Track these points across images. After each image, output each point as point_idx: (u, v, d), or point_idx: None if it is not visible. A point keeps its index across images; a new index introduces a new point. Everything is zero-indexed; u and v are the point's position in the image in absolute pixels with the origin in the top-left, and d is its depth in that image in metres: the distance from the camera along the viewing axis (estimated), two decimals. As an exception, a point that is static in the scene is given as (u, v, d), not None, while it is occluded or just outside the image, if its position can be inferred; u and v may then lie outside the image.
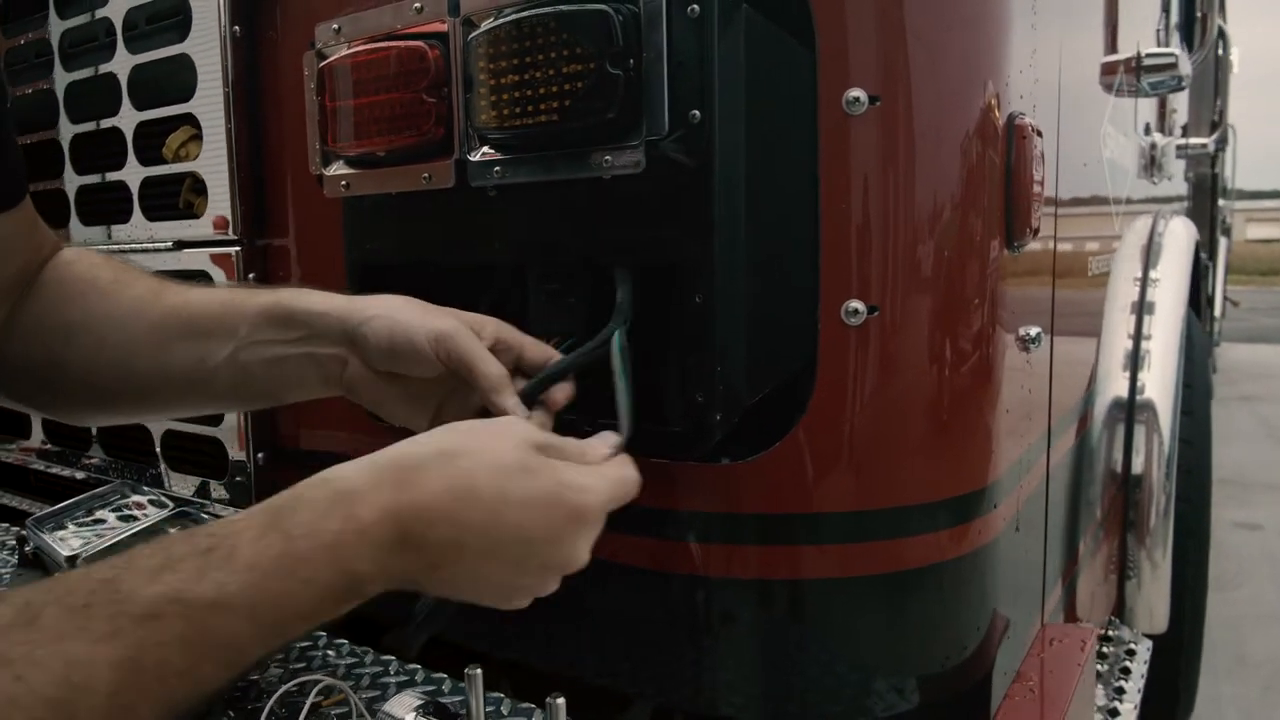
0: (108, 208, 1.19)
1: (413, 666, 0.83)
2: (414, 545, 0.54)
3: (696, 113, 0.70)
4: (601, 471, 0.63)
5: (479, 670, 0.66)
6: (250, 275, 1.06)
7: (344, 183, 0.88)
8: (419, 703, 0.65)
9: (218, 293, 0.78)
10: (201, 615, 0.47)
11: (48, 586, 0.46)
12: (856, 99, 0.72)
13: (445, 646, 0.92)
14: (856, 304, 0.74)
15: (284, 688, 0.75)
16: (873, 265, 0.74)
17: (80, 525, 1.04)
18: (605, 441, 0.68)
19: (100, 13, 1.14)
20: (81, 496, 1.08)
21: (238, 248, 1.05)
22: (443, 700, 0.67)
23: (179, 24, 1.05)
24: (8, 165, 0.76)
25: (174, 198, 1.13)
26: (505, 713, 0.73)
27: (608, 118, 0.70)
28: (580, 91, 0.70)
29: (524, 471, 0.57)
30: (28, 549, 1.03)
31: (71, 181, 1.23)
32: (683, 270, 0.73)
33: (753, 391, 0.76)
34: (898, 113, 0.73)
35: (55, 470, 1.36)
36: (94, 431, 1.27)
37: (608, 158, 0.71)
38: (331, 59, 0.85)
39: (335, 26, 0.86)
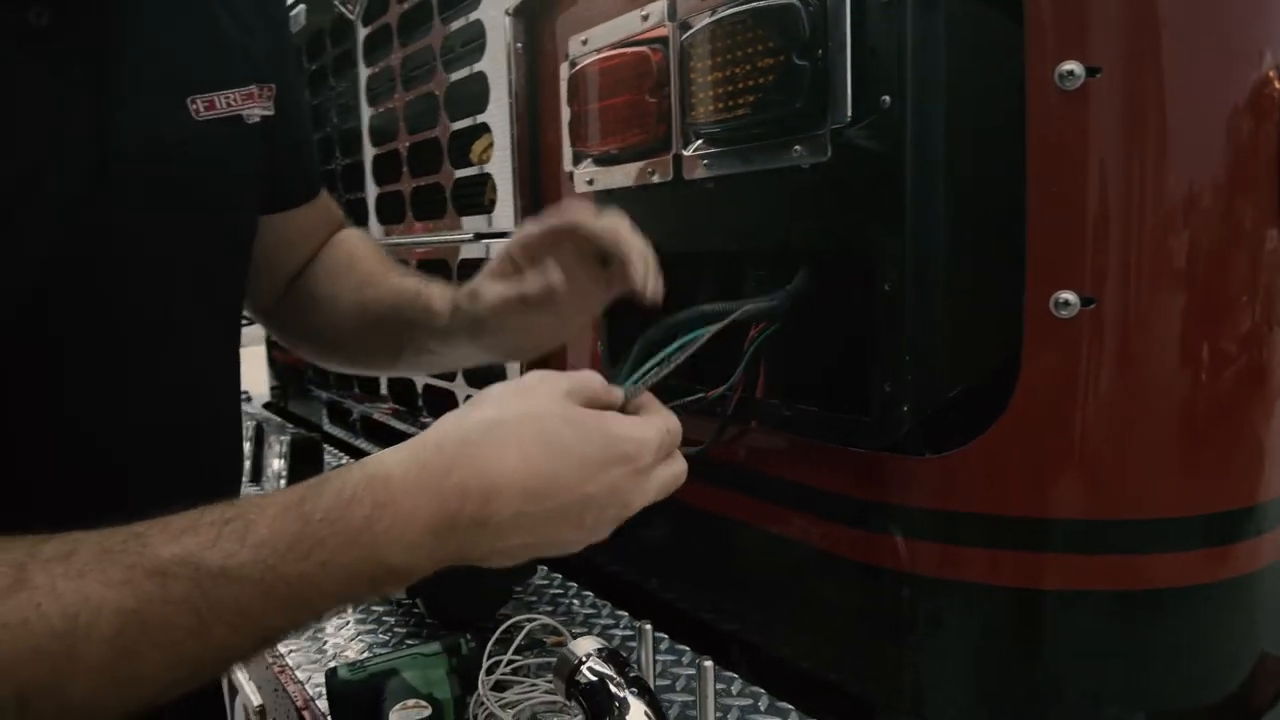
0: (429, 205, 1.41)
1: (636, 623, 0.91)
2: (467, 526, 0.51)
3: (887, 98, 0.69)
4: (647, 419, 0.59)
5: (649, 625, 0.72)
6: (527, 263, 1.20)
7: (588, 179, 0.97)
8: (598, 646, 0.72)
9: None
10: (209, 581, 0.46)
11: (110, 530, 0.47)
12: (1070, 72, 0.66)
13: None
14: (1067, 295, 0.68)
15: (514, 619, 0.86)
16: (1089, 254, 0.68)
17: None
18: (616, 391, 0.63)
19: (425, 41, 1.35)
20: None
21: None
22: (619, 652, 0.73)
23: (479, 46, 1.22)
24: (305, 163, 0.89)
25: (479, 196, 1.31)
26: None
27: (795, 108, 0.71)
28: (770, 84, 0.72)
29: (575, 429, 0.54)
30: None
31: (406, 183, 1.47)
32: (872, 257, 0.72)
33: (948, 385, 0.73)
34: (1120, 85, 0.66)
35: (394, 424, 1.64)
36: (418, 390, 1.51)
37: (798, 147, 0.72)
38: (577, 68, 0.94)
39: (583, 39, 0.95)
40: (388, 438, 1.60)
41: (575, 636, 0.96)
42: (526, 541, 0.54)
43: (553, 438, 0.53)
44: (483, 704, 0.83)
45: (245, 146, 0.74)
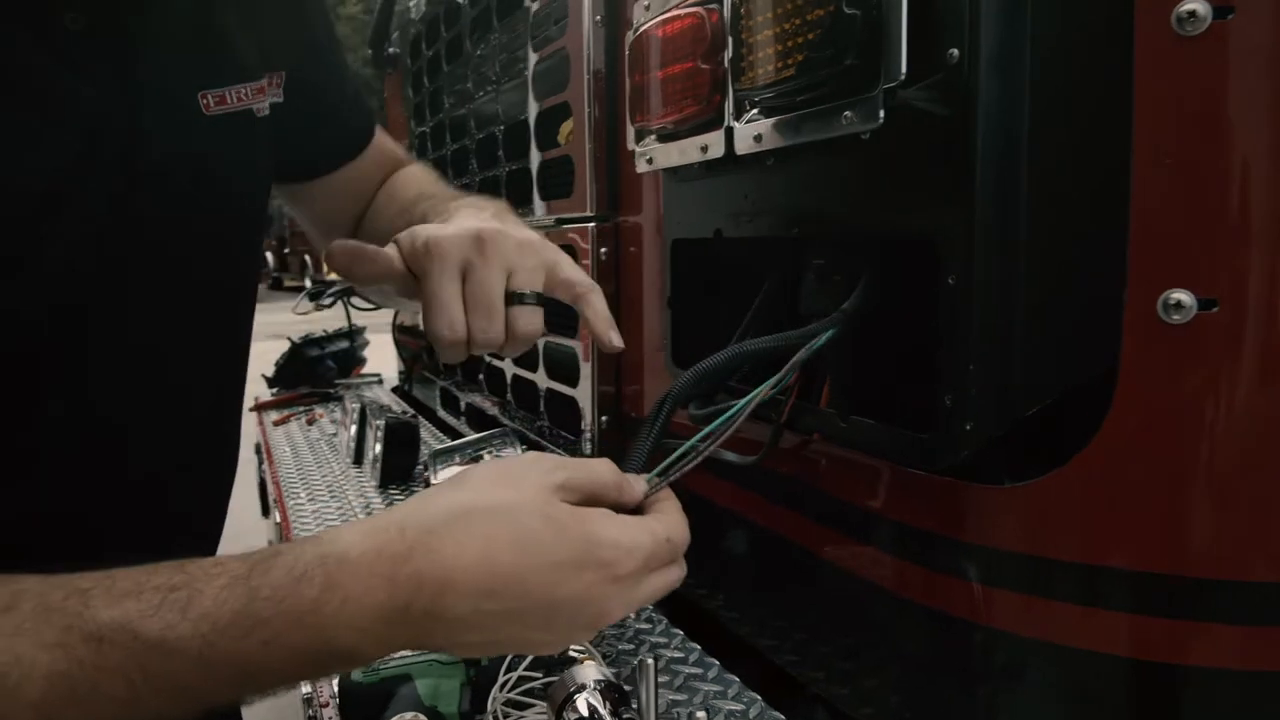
0: (519, 189, 1.36)
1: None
2: (419, 617, 0.48)
3: (955, 51, 0.57)
4: (642, 523, 0.54)
5: (652, 660, 0.63)
6: (602, 250, 1.13)
7: (647, 158, 0.89)
8: (599, 677, 0.64)
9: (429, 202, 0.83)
10: (145, 652, 0.44)
11: (55, 580, 0.46)
12: (1193, 13, 0.52)
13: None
14: (1180, 295, 0.54)
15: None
16: (1212, 245, 0.54)
17: (464, 461, 1.21)
18: (639, 482, 0.59)
19: (520, 20, 1.30)
20: (472, 437, 1.25)
21: (592, 224, 1.13)
22: (621, 685, 0.65)
23: (563, 23, 1.16)
24: (343, 123, 0.90)
25: (565, 179, 1.25)
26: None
27: (845, 65, 0.60)
28: (817, 39, 0.62)
29: (552, 529, 0.50)
30: (426, 474, 1.23)
31: (502, 168, 1.44)
32: (935, 246, 0.60)
33: (1025, 401, 0.60)
34: (1259, 28, 0.51)
35: (493, 413, 1.61)
36: (507, 381, 1.47)
37: (848, 113, 0.61)
38: (637, 35, 0.86)
39: (646, 3, 0.87)
40: (488, 425, 1.57)
41: (606, 655, 0.89)
42: (488, 639, 0.51)
43: (524, 535, 0.50)
44: (492, 722, 0.77)
45: (258, 140, 0.73)
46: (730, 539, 0.90)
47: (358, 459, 1.70)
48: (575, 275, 0.70)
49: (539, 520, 0.50)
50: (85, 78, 0.58)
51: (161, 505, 0.70)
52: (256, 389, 2.43)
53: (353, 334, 2.64)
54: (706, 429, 0.63)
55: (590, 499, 0.54)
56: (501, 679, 0.78)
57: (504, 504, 0.51)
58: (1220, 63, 0.52)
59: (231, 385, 0.80)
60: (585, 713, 0.62)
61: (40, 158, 0.56)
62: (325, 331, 2.61)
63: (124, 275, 0.63)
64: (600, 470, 0.56)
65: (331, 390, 2.49)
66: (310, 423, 2.16)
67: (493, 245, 0.64)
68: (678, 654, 0.88)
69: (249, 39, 0.72)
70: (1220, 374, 0.54)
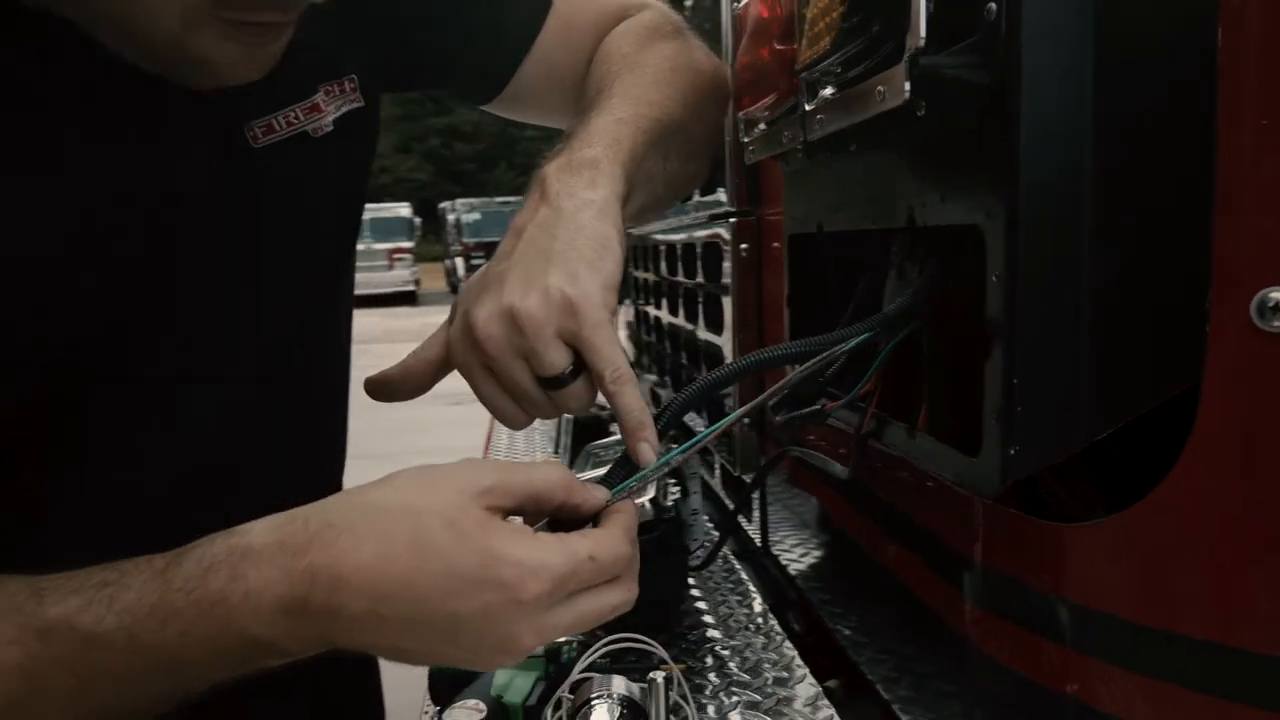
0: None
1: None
2: (318, 612, 0.48)
3: (993, 6, 0.48)
4: (561, 541, 0.50)
5: (662, 675, 0.59)
6: (742, 247, 1.08)
7: (751, 148, 0.84)
8: (623, 693, 0.62)
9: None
10: (81, 644, 0.47)
11: (24, 581, 0.49)
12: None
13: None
14: (1276, 295, 0.42)
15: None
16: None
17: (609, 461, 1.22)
18: (600, 492, 0.54)
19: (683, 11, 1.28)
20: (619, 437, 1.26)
21: (732, 219, 1.09)
22: (637, 701, 0.62)
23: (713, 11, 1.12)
24: (493, 32, 0.81)
25: (718, 173, 1.22)
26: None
27: (872, 33, 0.53)
28: (847, 5, 0.55)
29: (451, 535, 0.48)
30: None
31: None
32: (975, 237, 0.51)
33: (1089, 423, 0.49)
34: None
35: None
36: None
37: (880, 88, 0.54)
38: (736, 16, 0.82)
39: (748, -15, 0.82)
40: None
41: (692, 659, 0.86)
42: (395, 645, 0.49)
43: (423, 541, 0.48)
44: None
45: (319, 165, 0.70)
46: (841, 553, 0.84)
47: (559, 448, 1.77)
48: (604, 356, 0.59)
49: (441, 525, 0.48)
50: (115, 134, 0.58)
51: None
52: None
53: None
54: (680, 449, 0.59)
55: (527, 504, 0.51)
56: (572, 679, 0.78)
57: (412, 506, 0.49)
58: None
59: (317, 409, 0.79)
60: (594, 721, 0.60)
61: (65, 216, 0.56)
62: None
63: (158, 317, 0.62)
64: (542, 474, 0.52)
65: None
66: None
67: (490, 344, 0.59)
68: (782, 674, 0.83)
69: (300, 50, 0.68)
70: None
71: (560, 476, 0.53)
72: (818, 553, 0.99)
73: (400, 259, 20.94)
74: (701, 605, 1.02)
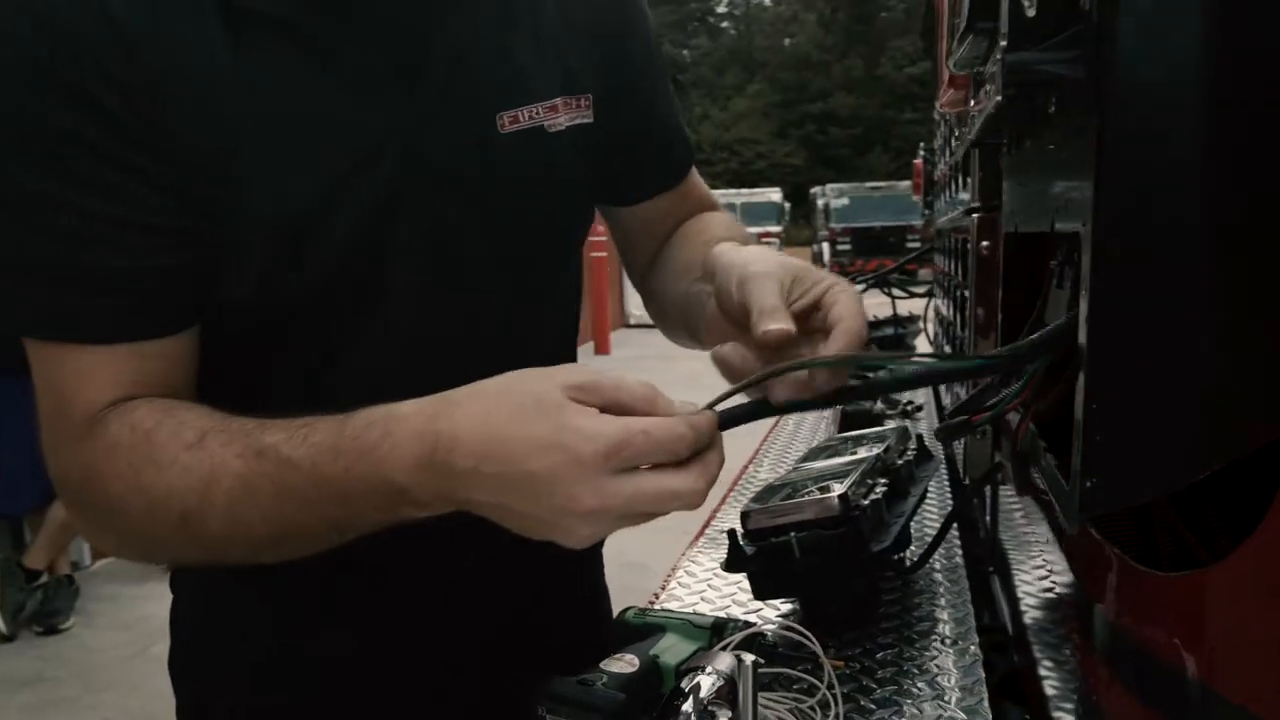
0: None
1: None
2: (441, 468, 0.57)
3: (1089, -5, 0.43)
4: (620, 421, 0.55)
5: (750, 659, 0.61)
6: (984, 244, 1.02)
7: (973, 143, 0.80)
8: (726, 670, 0.65)
9: (709, 244, 0.80)
10: (282, 465, 0.60)
11: (260, 420, 0.63)
12: None
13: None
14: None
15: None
16: None
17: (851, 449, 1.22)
18: (684, 408, 0.57)
19: None
20: (862, 432, 1.25)
21: (974, 214, 1.03)
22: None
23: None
24: (649, 158, 0.91)
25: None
26: None
27: (978, 28, 0.50)
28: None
29: (537, 409, 0.55)
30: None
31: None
32: (1058, 247, 0.47)
33: (1188, 460, 0.43)
34: None
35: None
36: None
37: (987, 86, 0.51)
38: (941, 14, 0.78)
39: (959, -30, 0.78)
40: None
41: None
42: (493, 501, 0.58)
43: (513, 410, 0.56)
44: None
45: (550, 154, 0.79)
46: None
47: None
48: (633, 391, 0.61)
49: (531, 400, 0.56)
50: (359, 95, 0.69)
51: None
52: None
53: (902, 321, 2.66)
54: (772, 369, 0.60)
55: (611, 408, 0.57)
56: (714, 648, 0.82)
57: (513, 386, 0.58)
58: None
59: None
60: (688, 690, 0.64)
61: (333, 153, 0.68)
62: (875, 317, 2.68)
63: (396, 251, 0.73)
64: (628, 386, 0.58)
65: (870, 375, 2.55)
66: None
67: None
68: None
69: (550, 60, 0.78)
70: None
71: (643, 391, 0.58)
72: (1048, 576, 0.92)
73: (768, 243, 21.16)
74: (909, 609, 0.99)
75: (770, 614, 1.01)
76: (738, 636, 0.81)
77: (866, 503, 0.93)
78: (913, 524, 1.01)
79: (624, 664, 0.82)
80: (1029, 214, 0.70)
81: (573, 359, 0.96)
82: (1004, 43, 0.46)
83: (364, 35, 0.69)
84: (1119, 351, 0.44)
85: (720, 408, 0.62)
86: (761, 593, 0.96)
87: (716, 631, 0.85)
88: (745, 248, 0.71)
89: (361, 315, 0.75)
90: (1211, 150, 0.41)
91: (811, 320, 0.65)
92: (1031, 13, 0.46)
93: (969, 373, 0.57)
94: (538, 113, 0.79)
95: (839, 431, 1.62)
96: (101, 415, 0.65)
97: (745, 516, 0.93)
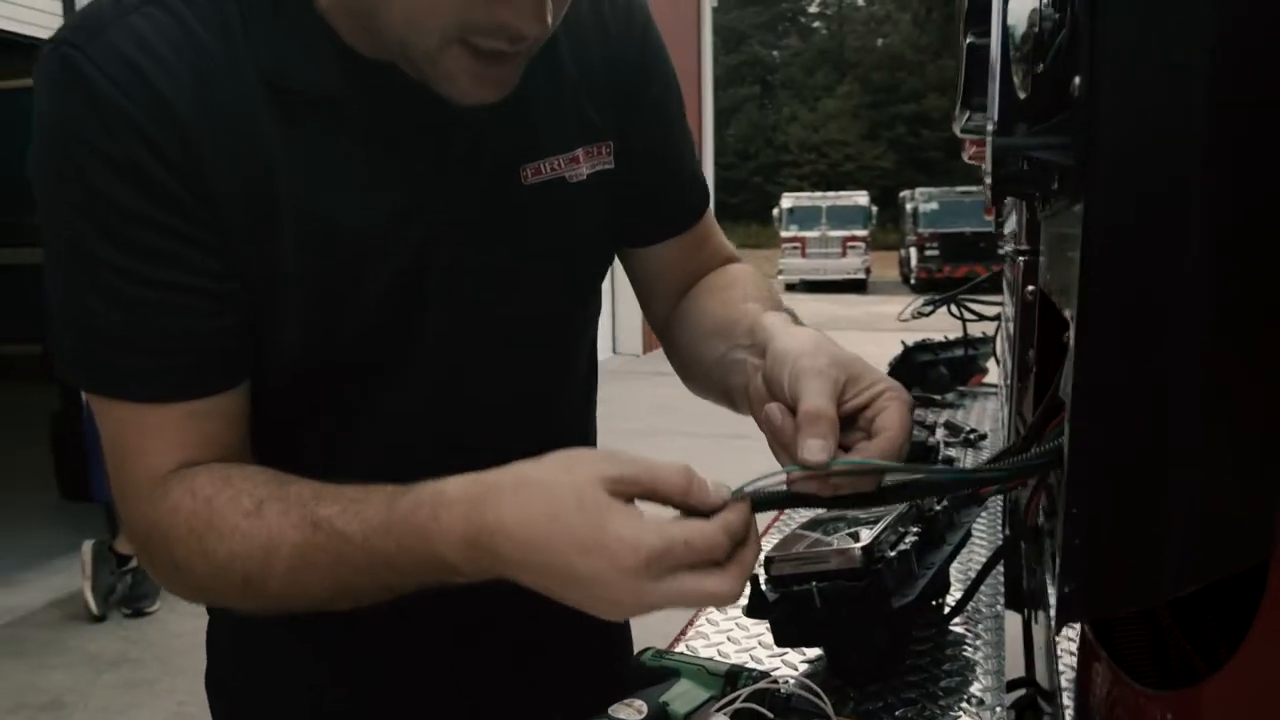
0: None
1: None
2: (487, 552, 0.60)
3: (1079, 78, 0.41)
4: (660, 524, 0.57)
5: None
6: (1028, 289, 0.99)
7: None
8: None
9: (747, 306, 0.82)
10: (336, 538, 0.64)
11: (307, 483, 0.67)
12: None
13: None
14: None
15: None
16: None
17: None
18: (719, 492, 0.59)
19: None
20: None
21: (1020, 257, 0.99)
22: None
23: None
24: (668, 200, 0.92)
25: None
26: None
27: (971, 103, 0.48)
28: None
29: (579, 509, 0.57)
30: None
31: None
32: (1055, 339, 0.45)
33: (1165, 577, 0.41)
34: None
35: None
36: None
37: (984, 164, 0.49)
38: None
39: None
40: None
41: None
42: (539, 584, 0.61)
43: (557, 509, 0.59)
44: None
45: (573, 204, 0.81)
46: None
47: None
48: (664, 477, 0.63)
49: (574, 500, 0.58)
50: (393, 151, 0.73)
51: None
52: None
53: (972, 343, 2.58)
54: (802, 469, 0.62)
55: (648, 497, 0.59)
56: (723, 700, 0.81)
57: (555, 481, 0.60)
58: None
59: (553, 415, 0.90)
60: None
61: (369, 214, 0.72)
62: (945, 337, 2.60)
63: (428, 304, 0.77)
64: (664, 475, 0.60)
65: (938, 398, 2.49)
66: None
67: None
68: None
69: (571, 110, 0.80)
70: None
71: (678, 480, 0.60)
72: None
73: (854, 246, 21.09)
74: (939, 661, 0.97)
75: (795, 659, 0.99)
76: (745, 691, 0.81)
77: (893, 554, 0.92)
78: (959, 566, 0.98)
79: (632, 710, 0.82)
80: (1053, 275, 0.67)
81: (593, 390, 0.98)
82: (991, 126, 0.44)
83: (394, 102, 0.72)
84: (1099, 458, 0.42)
85: (752, 486, 0.64)
86: (783, 640, 0.95)
87: (730, 680, 0.85)
88: (798, 333, 0.71)
89: (393, 365, 0.79)
90: (1202, 255, 0.39)
91: (858, 419, 0.66)
92: (1023, 94, 0.44)
93: (974, 484, 0.55)
94: (559, 164, 0.81)
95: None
96: (163, 479, 0.70)
97: (769, 563, 0.92)
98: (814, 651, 0.99)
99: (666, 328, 0.96)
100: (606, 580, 0.57)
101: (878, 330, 9.58)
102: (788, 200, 22.31)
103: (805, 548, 0.92)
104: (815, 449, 0.62)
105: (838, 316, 14.66)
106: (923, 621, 1.04)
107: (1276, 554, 0.35)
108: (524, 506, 0.60)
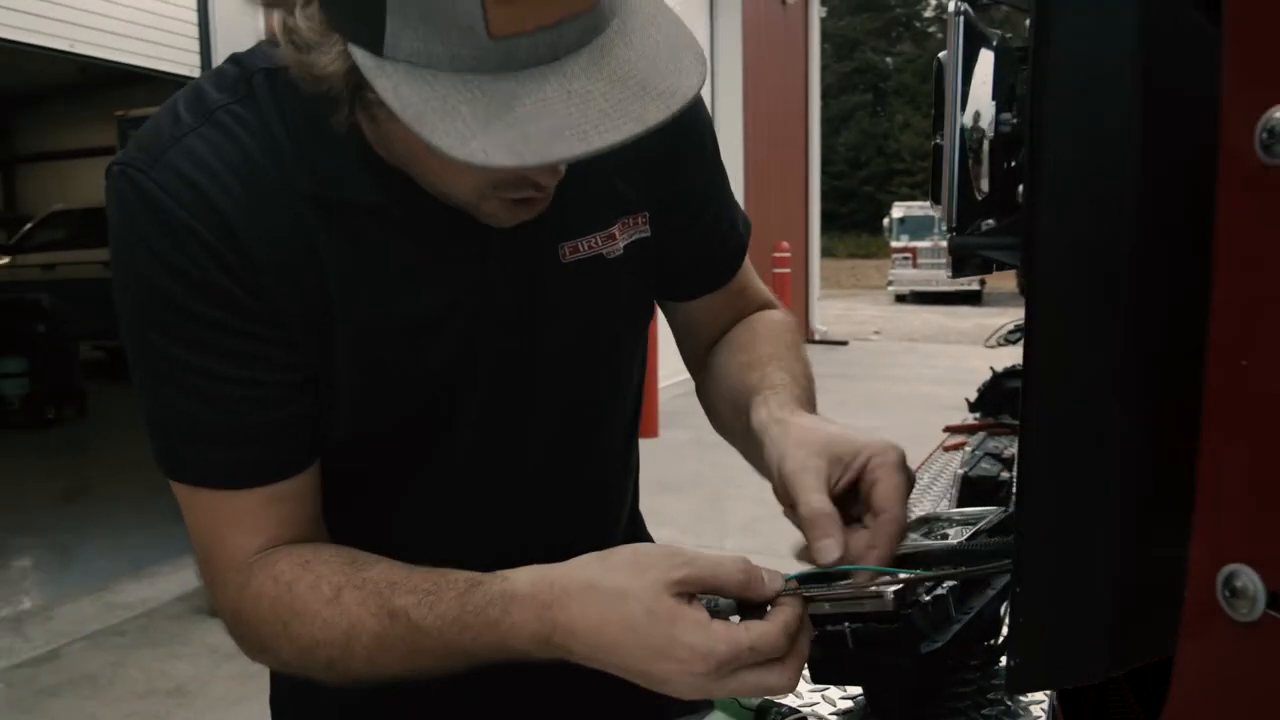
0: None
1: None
2: (558, 648, 0.65)
3: (1022, 185, 0.44)
4: (729, 631, 0.61)
5: None
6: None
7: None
8: None
9: (764, 371, 0.86)
10: (411, 629, 0.68)
11: (382, 570, 0.72)
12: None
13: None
14: (1245, 578, 0.34)
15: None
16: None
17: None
18: (774, 581, 0.63)
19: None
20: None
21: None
22: None
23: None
24: (705, 259, 0.95)
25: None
26: None
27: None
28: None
29: (649, 621, 0.62)
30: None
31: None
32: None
33: (1098, 659, 0.43)
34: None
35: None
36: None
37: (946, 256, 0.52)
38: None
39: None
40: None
41: None
42: (615, 673, 0.65)
43: (627, 619, 0.63)
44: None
45: (611, 279, 0.85)
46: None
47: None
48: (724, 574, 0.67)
49: (643, 611, 0.63)
50: (453, 255, 0.78)
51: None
52: (958, 414, 2.52)
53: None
54: (867, 568, 0.68)
55: (711, 591, 0.64)
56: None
57: (623, 589, 0.64)
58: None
59: (596, 456, 0.95)
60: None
61: (416, 309, 0.77)
62: (1014, 367, 2.53)
63: (476, 384, 0.82)
64: (727, 570, 0.64)
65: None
66: (948, 449, 2.19)
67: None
68: None
69: (607, 186, 0.83)
70: None
71: (738, 578, 0.64)
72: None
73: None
74: (981, 704, 0.98)
75: (835, 694, 1.02)
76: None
77: (928, 599, 0.93)
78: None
79: None
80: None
81: (637, 418, 1.02)
82: (946, 225, 0.47)
83: (434, 208, 0.76)
84: (1042, 544, 0.45)
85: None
86: (819, 677, 0.98)
87: (760, 715, 0.88)
88: (784, 429, 0.76)
89: (437, 442, 0.83)
90: (1128, 367, 0.42)
91: (856, 492, 0.72)
92: (980, 196, 0.47)
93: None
94: (596, 242, 0.84)
95: (960, 497, 1.58)
96: (246, 563, 0.75)
97: (806, 602, 0.95)
98: (857, 689, 1.02)
99: (697, 373, 1.01)
100: (676, 680, 0.62)
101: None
102: (899, 209, 21.79)
103: (847, 583, 0.95)
104: (826, 551, 0.68)
105: (947, 329, 14.26)
106: (968, 663, 1.05)
107: (1178, 655, 0.38)
108: (594, 614, 0.64)
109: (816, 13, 12.38)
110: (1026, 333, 0.44)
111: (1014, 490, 0.48)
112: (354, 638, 0.70)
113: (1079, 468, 0.43)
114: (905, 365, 10.50)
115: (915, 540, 0.75)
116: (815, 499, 0.68)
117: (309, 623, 0.71)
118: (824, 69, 13.71)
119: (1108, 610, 0.43)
